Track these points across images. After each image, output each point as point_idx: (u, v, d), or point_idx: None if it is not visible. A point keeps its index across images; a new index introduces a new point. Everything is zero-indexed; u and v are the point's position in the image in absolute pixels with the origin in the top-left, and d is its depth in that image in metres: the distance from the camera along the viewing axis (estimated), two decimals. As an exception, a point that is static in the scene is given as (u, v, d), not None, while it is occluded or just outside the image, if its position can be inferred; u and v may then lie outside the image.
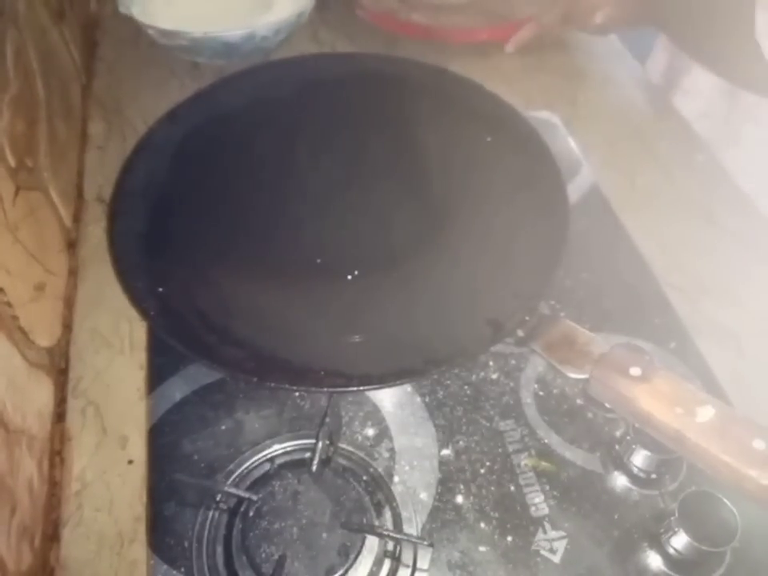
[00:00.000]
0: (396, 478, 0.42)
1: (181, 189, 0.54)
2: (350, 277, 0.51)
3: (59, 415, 0.46)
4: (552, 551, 0.40)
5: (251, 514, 0.38)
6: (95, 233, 0.56)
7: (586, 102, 0.69)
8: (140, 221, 0.51)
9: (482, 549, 0.40)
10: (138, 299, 0.46)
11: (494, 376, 0.47)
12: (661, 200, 0.59)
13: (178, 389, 0.46)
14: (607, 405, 0.43)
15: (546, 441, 0.44)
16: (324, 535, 0.38)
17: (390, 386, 0.44)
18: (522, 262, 0.49)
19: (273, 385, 0.43)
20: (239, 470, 0.42)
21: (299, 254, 0.53)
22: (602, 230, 0.56)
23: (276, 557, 0.37)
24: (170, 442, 0.44)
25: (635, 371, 0.40)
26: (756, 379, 0.47)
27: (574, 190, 0.58)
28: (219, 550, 0.39)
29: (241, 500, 0.40)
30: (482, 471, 0.43)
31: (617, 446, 0.43)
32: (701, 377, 0.47)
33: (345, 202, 0.56)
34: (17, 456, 0.39)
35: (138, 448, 0.44)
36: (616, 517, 0.41)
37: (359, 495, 0.40)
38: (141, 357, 0.49)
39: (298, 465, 0.42)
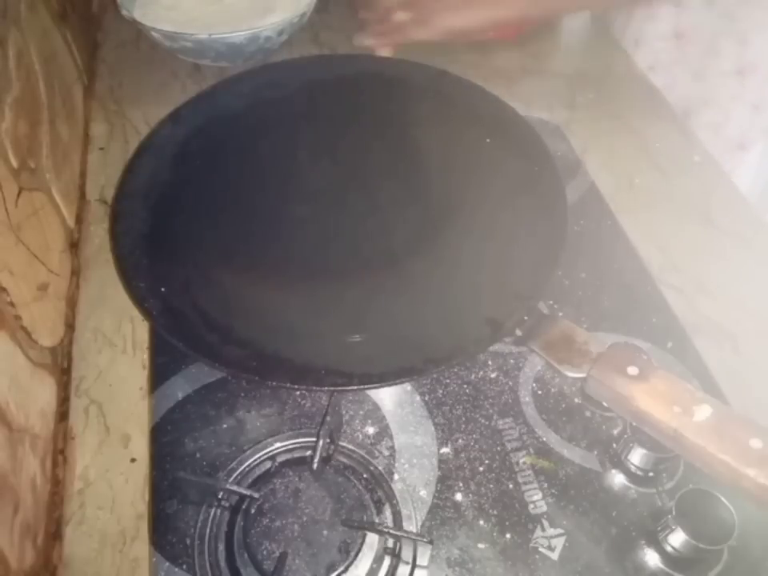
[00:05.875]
0: (396, 476, 0.42)
1: (183, 189, 0.55)
2: (350, 278, 0.52)
3: (62, 414, 0.46)
4: (550, 548, 0.40)
5: (253, 511, 0.39)
6: (98, 233, 0.57)
7: (584, 104, 0.69)
8: (142, 221, 0.52)
9: (480, 546, 0.40)
10: (140, 299, 0.47)
11: (493, 375, 0.48)
12: (658, 201, 0.60)
13: (179, 388, 0.47)
14: (605, 404, 0.43)
15: (544, 439, 0.44)
16: (325, 532, 0.38)
17: (390, 385, 0.44)
18: (521, 261, 0.49)
19: (274, 384, 0.43)
20: (241, 468, 0.42)
21: (300, 254, 0.53)
22: (600, 231, 0.57)
23: (277, 554, 0.37)
24: (172, 441, 0.44)
25: (633, 370, 0.41)
26: (753, 378, 0.48)
27: (573, 191, 0.59)
28: (221, 547, 0.39)
29: (242, 498, 0.40)
30: (481, 469, 0.43)
31: (614, 445, 0.43)
32: (698, 376, 0.47)
33: (346, 202, 0.56)
34: (20, 455, 0.39)
35: (140, 446, 0.44)
36: (614, 514, 0.41)
37: (359, 493, 0.40)
38: (143, 356, 0.49)
39: (299, 463, 0.42)
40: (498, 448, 0.44)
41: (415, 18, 0.64)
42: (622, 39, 0.78)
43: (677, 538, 0.38)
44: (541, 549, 0.40)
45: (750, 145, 0.72)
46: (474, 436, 0.45)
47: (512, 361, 0.48)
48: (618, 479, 0.43)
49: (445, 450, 0.44)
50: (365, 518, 0.39)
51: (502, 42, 0.74)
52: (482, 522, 0.41)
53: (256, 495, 0.39)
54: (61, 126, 0.59)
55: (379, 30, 0.66)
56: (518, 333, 0.46)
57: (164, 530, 0.40)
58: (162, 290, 0.47)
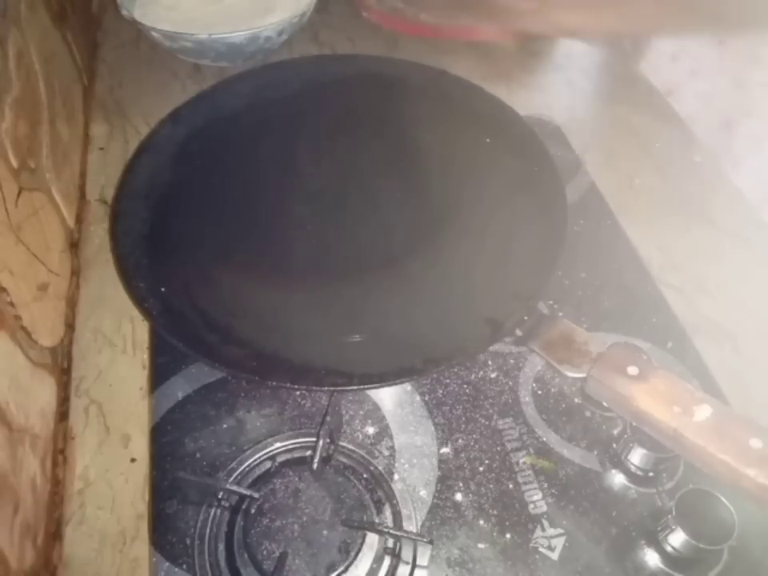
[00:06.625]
0: (396, 476, 0.42)
1: (183, 189, 0.55)
2: (350, 278, 0.52)
3: (62, 414, 0.46)
4: (550, 548, 0.40)
5: (253, 511, 0.39)
6: (98, 233, 0.57)
7: (584, 104, 0.69)
8: (142, 221, 0.52)
9: (480, 546, 0.40)
10: (140, 299, 0.47)
11: (493, 375, 0.48)
12: (658, 200, 0.60)
13: (179, 388, 0.47)
14: (605, 404, 0.43)
15: (544, 439, 0.44)
16: (325, 532, 0.38)
17: (389, 385, 0.44)
18: (521, 261, 0.49)
19: (274, 384, 0.43)
20: (241, 468, 0.42)
21: (300, 254, 0.53)
22: (600, 231, 0.57)
23: (277, 554, 0.37)
24: (172, 441, 0.44)
25: (633, 370, 0.41)
26: (753, 378, 0.48)
27: (573, 191, 0.59)
28: (221, 547, 0.39)
29: (242, 498, 0.40)
30: (481, 469, 0.43)
31: (614, 445, 0.43)
32: (698, 376, 0.47)
33: (345, 202, 0.56)
34: (20, 455, 0.39)
35: (140, 446, 0.44)
36: (614, 514, 0.41)
37: (359, 493, 0.40)
38: (143, 356, 0.49)
39: (299, 463, 0.42)
40: (498, 448, 0.44)
41: (533, 9, 0.61)
42: (659, 46, 0.76)
43: (677, 538, 0.38)
44: (541, 549, 0.40)
45: None
46: (474, 436, 0.45)
47: (512, 361, 0.48)
48: (618, 479, 0.43)
49: (445, 450, 0.44)
50: (365, 517, 0.39)
51: (502, 42, 0.74)
52: (482, 522, 0.41)
53: (256, 495, 0.39)
54: (61, 126, 0.59)
55: (492, 15, 0.63)
56: (518, 333, 0.47)
57: (164, 529, 0.40)
58: (162, 290, 0.48)
